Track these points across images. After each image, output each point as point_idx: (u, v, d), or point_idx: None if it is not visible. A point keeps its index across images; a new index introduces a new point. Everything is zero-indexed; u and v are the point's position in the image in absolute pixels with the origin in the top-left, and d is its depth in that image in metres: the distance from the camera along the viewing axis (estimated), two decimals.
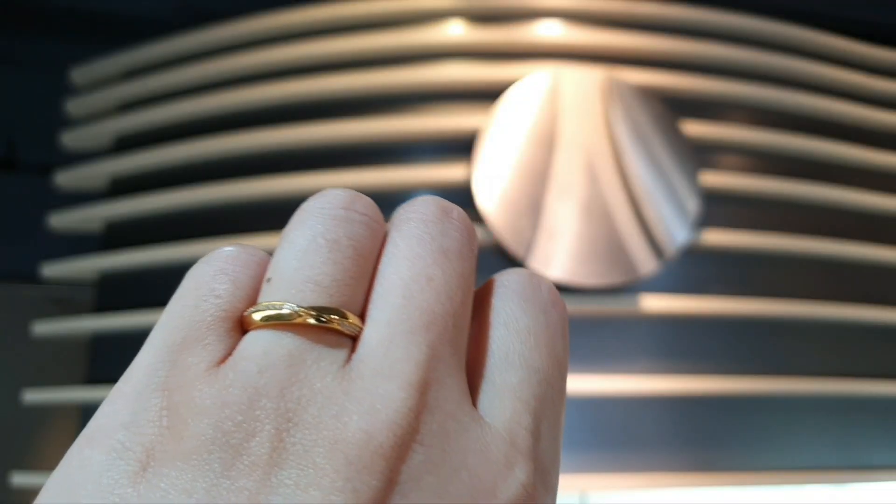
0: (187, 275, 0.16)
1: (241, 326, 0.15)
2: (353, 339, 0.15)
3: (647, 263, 0.81)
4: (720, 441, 0.82)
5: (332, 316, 0.15)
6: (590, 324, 0.82)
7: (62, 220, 1.00)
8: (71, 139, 1.05)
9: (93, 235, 1.02)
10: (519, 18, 0.93)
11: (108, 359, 0.92)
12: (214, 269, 0.16)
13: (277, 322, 0.14)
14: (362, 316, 0.15)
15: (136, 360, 0.15)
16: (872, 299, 0.91)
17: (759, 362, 0.85)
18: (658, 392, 0.80)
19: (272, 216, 0.85)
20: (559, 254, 0.80)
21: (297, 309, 0.14)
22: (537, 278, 0.17)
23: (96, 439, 0.13)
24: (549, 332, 0.16)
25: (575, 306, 0.81)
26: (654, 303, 0.82)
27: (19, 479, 0.87)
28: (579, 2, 0.94)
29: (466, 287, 0.16)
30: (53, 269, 0.97)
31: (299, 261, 0.15)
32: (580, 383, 0.79)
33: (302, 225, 0.16)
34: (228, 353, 0.14)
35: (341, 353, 0.14)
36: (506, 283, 0.17)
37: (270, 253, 0.17)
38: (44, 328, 0.95)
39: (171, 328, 0.15)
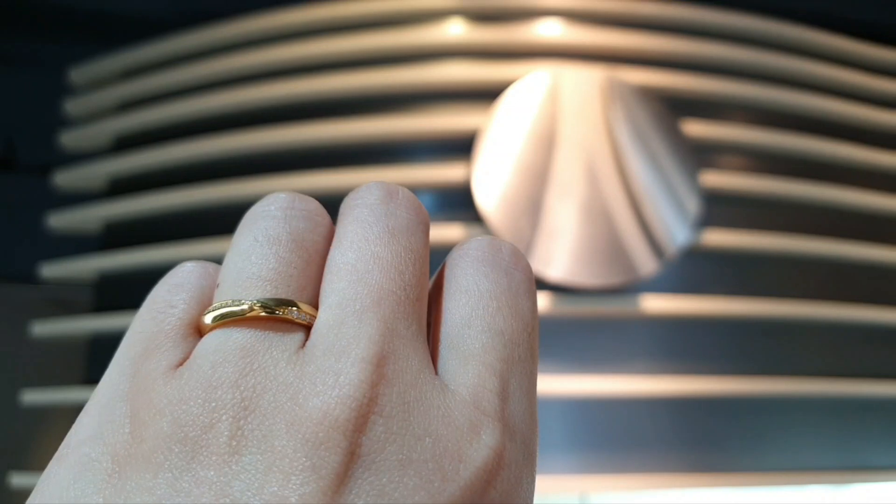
0: (148, 297, 0.17)
1: (198, 332, 0.16)
2: (308, 328, 0.15)
3: (647, 264, 0.81)
4: (720, 442, 0.82)
5: (282, 307, 0.15)
6: (590, 324, 0.82)
7: (61, 221, 0.99)
8: (70, 139, 1.04)
9: (92, 236, 1.02)
10: (519, 18, 0.93)
11: (108, 359, 0.92)
12: (170, 285, 0.16)
13: (228, 320, 0.15)
14: (316, 305, 0.15)
15: (102, 379, 0.15)
16: (872, 299, 0.91)
17: (760, 363, 0.85)
18: (658, 393, 0.80)
19: None
20: (559, 254, 0.79)
21: (243, 305, 0.15)
22: (497, 242, 0.17)
23: (63, 456, 0.14)
24: (512, 294, 0.16)
25: (575, 306, 0.81)
26: (655, 303, 0.82)
27: (18, 479, 0.87)
28: (579, 1, 0.94)
29: (418, 260, 0.16)
30: (52, 270, 0.97)
31: (243, 261, 0.16)
32: (580, 384, 0.79)
33: (243, 229, 0.17)
34: (186, 357, 0.15)
35: (294, 340, 0.15)
36: (465, 250, 0.17)
37: None
38: (43, 328, 0.95)
39: (132, 342, 0.15)
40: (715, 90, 0.92)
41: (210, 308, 0.15)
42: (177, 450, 0.13)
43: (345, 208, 0.17)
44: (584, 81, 0.86)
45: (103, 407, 0.14)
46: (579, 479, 0.78)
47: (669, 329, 0.84)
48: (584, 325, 0.82)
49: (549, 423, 0.80)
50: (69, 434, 0.15)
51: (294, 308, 0.15)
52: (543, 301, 0.80)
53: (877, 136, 1.00)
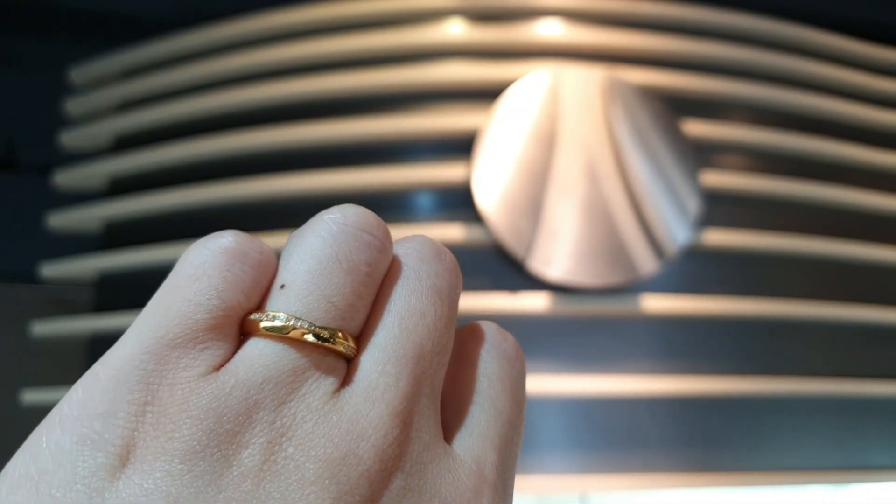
0: (184, 258, 0.15)
1: (241, 327, 0.15)
2: (348, 360, 0.15)
3: (647, 263, 0.81)
4: (721, 441, 0.82)
5: (339, 338, 0.15)
6: (590, 324, 0.82)
7: (61, 220, 0.99)
8: (70, 139, 1.04)
9: (92, 235, 1.02)
10: (519, 17, 0.93)
11: None
12: (218, 262, 0.15)
13: (285, 335, 0.14)
14: (357, 337, 0.15)
15: (119, 347, 0.14)
16: (873, 299, 0.91)
17: (760, 362, 0.85)
18: (659, 392, 0.80)
19: (272, 216, 0.85)
20: (559, 254, 0.79)
21: (309, 325, 0.14)
22: (504, 332, 0.19)
23: (68, 425, 0.13)
24: (512, 381, 0.18)
25: (575, 306, 0.81)
26: (655, 303, 0.82)
27: None
28: (579, 1, 0.94)
29: (450, 330, 0.17)
30: (53, 269, 0.97)
31: (317, 276, 0.15)
32: (580, 383, 0.79)
33: (322, 238, 0.16)
34: (228, 358, 0.14)
35: (339, 374, 0.15)
36: (476, 332, 0.18)
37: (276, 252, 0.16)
38: (43, 328, 0.95)
39: (164, 321, 0.14)
40: (715, 90, 0.92)
41: (269, 315, 0.15)
42: (208, 461, 0.13)
43: (397, 253, 0.17)
44: (585, 81, 0.86)
45: (118, 383, 0.13)
46: (579, 479, 0.78)
47: (669, 329, 0.84)
48: (584, 325, 0.82)
49: (549, 423, 0.80)
50: (73, 398, 0.14)
51: (346, 340, 0.15)
52: (543, 301, 0.80)
53: (877, 136, 1.00)
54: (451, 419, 0.16)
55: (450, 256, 0.18)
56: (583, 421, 0.80)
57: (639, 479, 0.78)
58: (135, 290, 0.99)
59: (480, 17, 0.92)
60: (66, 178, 1.02)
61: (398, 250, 0.17)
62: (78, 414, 0.13)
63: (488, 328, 0.18)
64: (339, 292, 0.15)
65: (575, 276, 0.79)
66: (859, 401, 0.87)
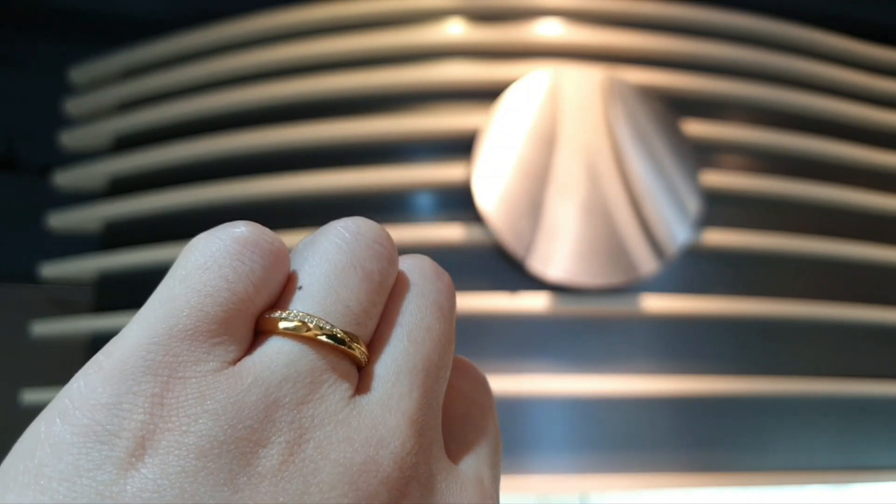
0: (193, 247, 0.15)
1: (255, 324, 0.15)
2: (360, 368, 0.15)
3: (647, 263, 0.81)
4: (721, 441, 0.82)
5: (354, 343, 0.15)
6: (590, 324, 0.82)
7: (61, 220, 0.99)
8: (70, 139, 1.04)
9: (92, 235, 1.02)
10: (519, 17, 0.93)
11: None
12: (228, 251, 0.15)
13: (304, 336, 0.14)
14: (368, 345, 0.16)
15: (124, 337, 0.14)
16: (872, 299, 0.91)
17: (760, 362, 0.85)
18: (659, 392, 0.80)
19: (272, 216, 0.85)
20: (559, 254, 0.79)
21: (329, 327, 0.15)
22: (478, 370, 0.20)
23: (68, 416, 0.12)
24: (492, 409, 0.19)
25: (575, 306, 0.81)
26: (655, 303, 0.82)
27: None
28: (579, 1, 0.94)
29: (452, 346, 0.17)
30: (52, 269, 0.97)
31: (335, 279, 0.15)
32: (580, 384, 0.79)
33: (337, 245, 0.16)
34: (242, 354, 0.14)
35: (353, 380, 0.15)
36: (459, 361, 0.19)
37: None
38: (43, 328, 0.95)
39: (172, 311, 0.14)
40: (715, 90, 0.92)
41: (289, 314, 0.14)
42: (226, 459, 0.12)
43: (400, 269, 0.18)
44: (585, 81, 0.86)
45: (124, 373, 0.13)
46: (579, 479, 0.78)
47: (669, 329, 0.84)
48: (584, 325, 0.82)
49: (549, 423, 0.80)
50: (74, 387, 0.13)
51: (361, 346, 0.15)
52: (543, 301, 0.80)
53: (877, 136, 1.00)
54: (446, 438, 0.17)
55: (447, 276, 0.18)
56: (583, 421, 0.80)
57: (639, 479, 0.78)
58: (135, 290, 0.99)
59: (480, 17, 0.92)
60: (66, 178, 1.02)
61: (401, 267, 0.18)
62: (79, 405, 0.12)
63: (465, 361, 0.19)
64: (355, 297, 0.15)
65: (575, 276, 0.79)
66: (860, 401, 0.87)
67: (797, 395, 0.83)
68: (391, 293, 0.17)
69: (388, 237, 0.17)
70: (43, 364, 1.10)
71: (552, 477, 0.77)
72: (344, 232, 0.16)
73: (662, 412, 0.81)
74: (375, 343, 0.16)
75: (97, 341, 0.94)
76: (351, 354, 0.15)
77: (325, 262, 0.16)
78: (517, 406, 0.79)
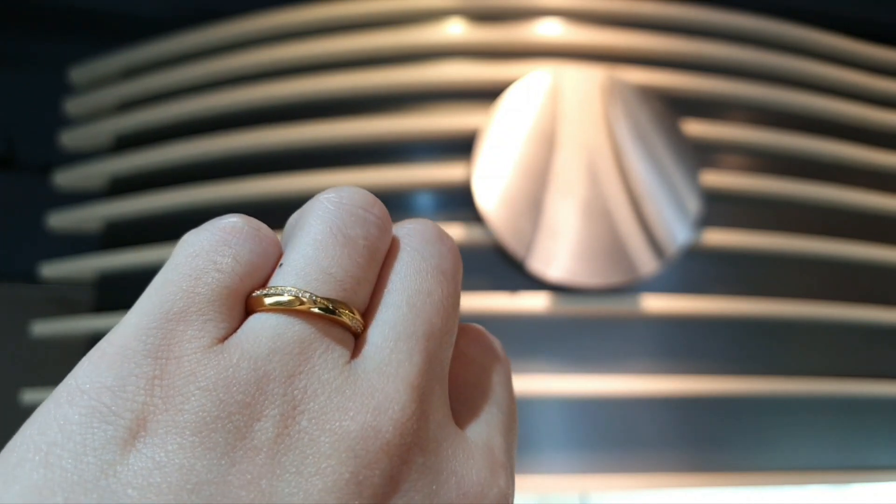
0: (184, 240, 0.16)
1: (244, 305, 0.15)
2: (355, 336, 0.15)
3: (647, 263, 0.81)
4: (721, 441, 0.82)
5: (342, 309, 0.15)
6: (590, 324, 0.82)
7: (61, 220, 0.99)
8: (70, 139, 1.04)
9: (92, 235, 1.02)
10: (519, 17, 0.93)
11: None
12: (216, 239, 0.15)
13: (287, 308, 0.14)
14: (363, 315, 0.15)
15: (124, 324, 0.14)
16: (872, 299, 0.91)
17: (760, 362, 0.85)
18: (659, 392, 0.80)
19: (272, 216, 0.84)
20: (559, 254, 0.79)
21: (310, 297, 0.14)
22: (489, 334, 0.20)
23: (76, 399, 0.13)
24: (507, 375, 0.19)
25: (575, 306, 0.81)
26: (655, 303, 0.82)
27: None
28: (579, 1, 0.94)
29: (456, 311, 0.17)
30: (53, 269, 0.97)
31: (315, 250, 0.15)
32: (580, 383, 0.79)
33: (319, 216, 0.16)
34: (230, 332, 0.14)
35: (348, 346, 0.15)
36: (468, 330, 0.19)
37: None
38: (43, 328, 0.95)
39: (166, 296, 0.14)
40: (715, 90, 0.92)
41: (271, 290, 0.15)
42: (220, 433, 0.12)
43: (401, 233, 0.18)
44: (585, 81, 0.86)
45: (125, 358, 0.13)
46: (579, 478, 0.78)
47: (670, 329, 0.84)
48: (584, 325, 0.82)
49: (548, 422, 0.80)
50: (80, 372, 0.14)
51: (351, 313, 0.15)
52: (543, 301, 0.80)
53: (877, 136, 1.00)
54: (455, 405, 0.17)
55: (451, 240, 0.18)
56: (583, 421, 0.80)
57: (639, 479, 0.78)
58: (135, 290, 0.99)
59: (480, 17, 0.92)
60: (66, 178, 1.02)
61: (400, 232, 0.18)
62: (86, 388, 0.13)
63: (476, 328, 0.19)
64: (336, 264, 0.15)
65: (575, 276, 0.79)
66: (860, 401, 0.87)
67: (797, 395, 0.83)
68: (389, 259, 0.17)
69: (376, 203, 0.17)
70: (43, 364, 1.10)
71: (552, 477, 0.77)
72: (326, 203, 0.16)
73: (662, 412, 0.81)
74: (371, 311, 0.16)
75: (97, 341, 0.94)
76: (340, 321, 0.15)
77: (305, 235, 0.16)
78: (517, 406, 0.79)
